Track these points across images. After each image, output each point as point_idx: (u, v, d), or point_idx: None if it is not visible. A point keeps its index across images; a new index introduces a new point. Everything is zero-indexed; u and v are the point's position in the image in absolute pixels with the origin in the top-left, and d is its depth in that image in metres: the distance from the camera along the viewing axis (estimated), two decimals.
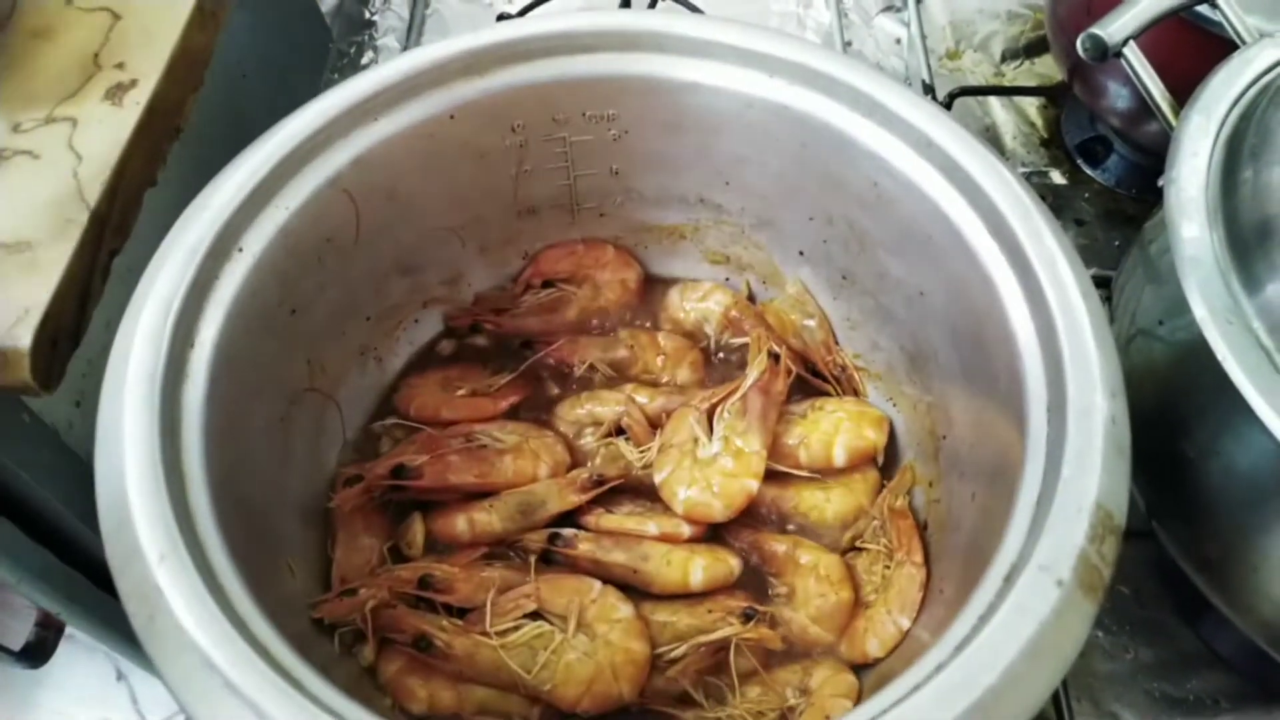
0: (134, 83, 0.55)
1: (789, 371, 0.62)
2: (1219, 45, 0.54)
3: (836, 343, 0.66)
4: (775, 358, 0.61)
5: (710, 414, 0.60)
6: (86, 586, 0.60)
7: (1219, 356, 0.43)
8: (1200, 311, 0.44)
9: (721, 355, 0.68)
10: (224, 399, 0.47)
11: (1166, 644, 0.62)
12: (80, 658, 0.69)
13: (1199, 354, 0.44)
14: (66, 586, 0.59)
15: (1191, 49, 0.59)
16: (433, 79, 0.56)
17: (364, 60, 0.91)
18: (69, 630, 0.64)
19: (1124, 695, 0.60)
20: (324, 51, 0.91)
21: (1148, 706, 0.60)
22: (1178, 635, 0.62)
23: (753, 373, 0.61)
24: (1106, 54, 0.55)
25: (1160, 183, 0.49)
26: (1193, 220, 0.47)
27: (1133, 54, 0.55)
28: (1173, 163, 0.49)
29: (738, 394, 0.60)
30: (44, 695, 0.84)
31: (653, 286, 0.70)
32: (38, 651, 0.64)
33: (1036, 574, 0.39)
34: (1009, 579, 0.40)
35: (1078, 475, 0.41)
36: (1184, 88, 0.53)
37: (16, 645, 0.63)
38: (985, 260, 0.50)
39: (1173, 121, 0.52)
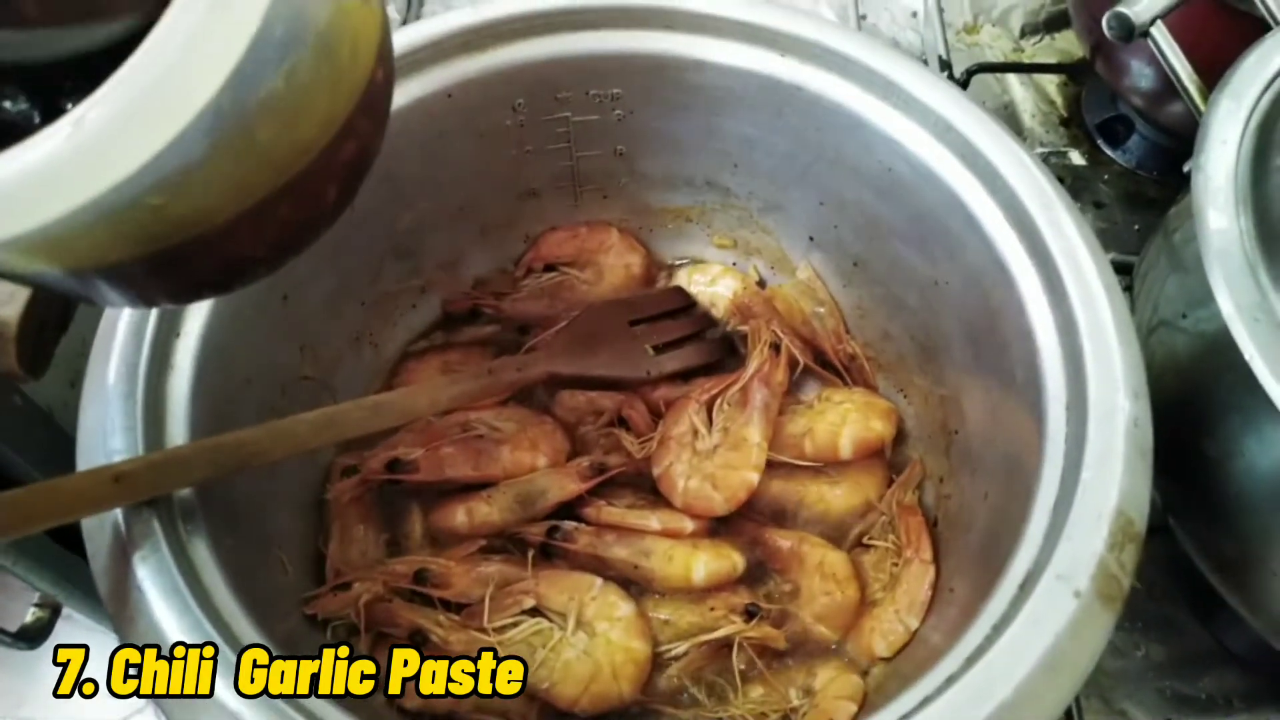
0: None
1: (792, 361, 0.60)
2: (1250, 26, 0.52)
3: (847, 331, 0.64)
4: (776, 348, 0.60)
5: (710, 405, 0.59)
6: (81, 568, 0.59)
7: (1245, 355, 0.41)
8: (1227, 307, 0.42)
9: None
10: (212, 390, 0.46)
11: (1179, 641, 0.61)
12: (82, 637, 0.69)
13: (1224, 348, 0.42)
14: (61, 568, 0.58)
15: (1221, 30, 0.57)
16: (431, 55, 0.54)
17: None
18: (70, 611, 0.63)
19: (1135, 693, 0.59)
20: None
21: (1159, 705, 0.59)
22: (1190, 632, 0.61)
23: (753, 363, 0.59)
24: (1133, 34, 0.52)
25: (1186, 168, 0.47)
26: (1220, 210, 0.45)
27: (1160, 34, 0.52)
28: (1200, 149, 0.47)
29: (737, 385, 0.59)
30: (47, 672, 0.84)
31: (657, 272, 0.68)
32: (34, 633, 0.63)
33: (1054, 583, 0.37)
34: (1024, 587, 0.38)
35: (1098, 479, 0.40)
36: (1212, 70, 0.50)
37: (13, 627, 0.62)
38: (1003, 250, 0.48)
39: (1200, 105, 0.50)
